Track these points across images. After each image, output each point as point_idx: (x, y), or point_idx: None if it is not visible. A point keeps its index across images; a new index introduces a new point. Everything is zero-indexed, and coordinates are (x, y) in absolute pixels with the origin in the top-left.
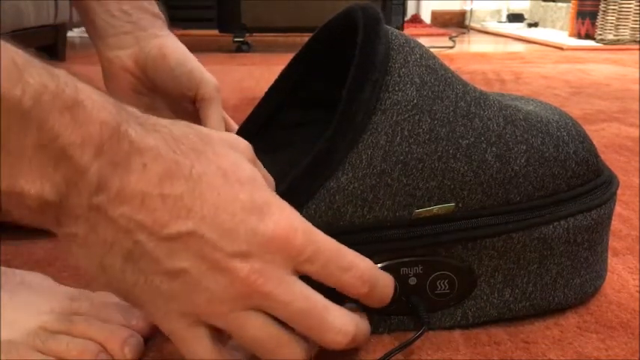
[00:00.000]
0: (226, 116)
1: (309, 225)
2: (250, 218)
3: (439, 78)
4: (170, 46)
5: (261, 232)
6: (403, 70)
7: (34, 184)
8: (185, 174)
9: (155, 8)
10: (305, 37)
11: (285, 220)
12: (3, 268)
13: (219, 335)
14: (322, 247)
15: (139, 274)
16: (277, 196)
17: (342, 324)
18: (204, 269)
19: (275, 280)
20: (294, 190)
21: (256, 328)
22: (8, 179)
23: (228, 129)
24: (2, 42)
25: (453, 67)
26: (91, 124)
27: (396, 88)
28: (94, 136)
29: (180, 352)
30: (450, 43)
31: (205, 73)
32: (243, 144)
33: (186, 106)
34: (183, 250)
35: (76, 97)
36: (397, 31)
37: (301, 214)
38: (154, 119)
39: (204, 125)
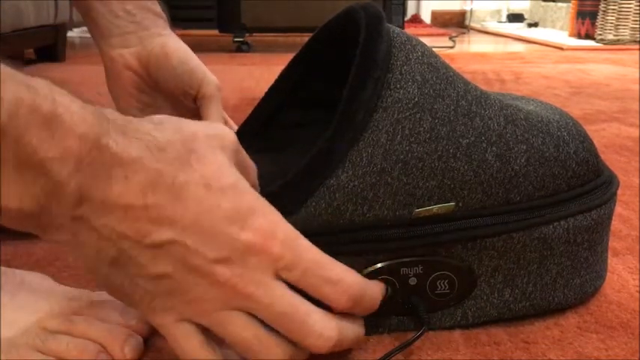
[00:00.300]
0: (226, 116)
1: (293, 233)
2: (232, 226)
3: (440, 76)
4: (172, 45)
5: (242, 239)
6: (405, 67)
7: (14, 197)
8: (168, 184)
9: (157, 8)
10: (305, 37)
11: (266, 226)
12: (3, 268)
13: (212, 333)
14: (304, 256)
15: (124, 277)
16: (262, 200)
17: (323, 328)
18: (185, 273)
19: (255, 283)
20: (294, 188)
21: (239, 326)
22: None
23: None
24: None
25: (453, 67)
26: (70, 138)
27: (398, 86)
28: (73, 151)
29: (171, 347)
30: (450, 43)
31: (207, 71)
32: (229, 137)
33: (188, 104)
34: (165, 256)
35: (54, 110)
36: (399, 29)
37: (301, 211)
38: (136, 124)
39: None
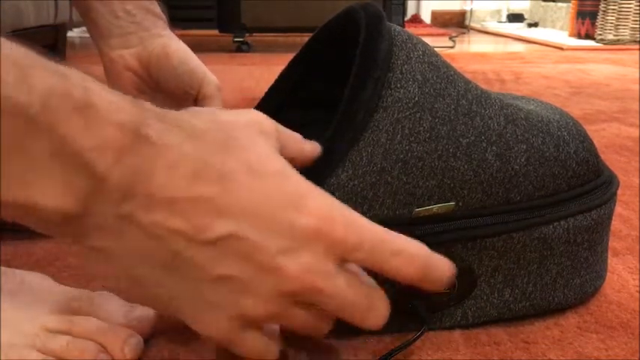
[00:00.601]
0: None
1: (348, 212)
2: (287, 212)
3: (441, 75)
4: (173, 45)
5: (301, 225)
6: (405, 67)
7: (51, 195)
8: (213, 173)
9: (157, 8)
10: (305, 37)
11: (323, 210)
12: (3, 268)
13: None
14: (366, 233)
15: (177, 282)
16: (310, 183)
17: (387, 309)
18: (252, 272)
19: (323, 274)
20: None
21: (303, 318)
22: (18, 190)
23: None
24: (3, 41)
25: None
26: (107, 127)
27: (398, 85)
28: (111, 140)
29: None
30: (450, 43)
31: (207, 71)
32: (266, 122)
33: (188, 104)
34: (226, 254)
35: (88, 98)
36: (399, 27)
37: None
38: (174, 113)
39: None
